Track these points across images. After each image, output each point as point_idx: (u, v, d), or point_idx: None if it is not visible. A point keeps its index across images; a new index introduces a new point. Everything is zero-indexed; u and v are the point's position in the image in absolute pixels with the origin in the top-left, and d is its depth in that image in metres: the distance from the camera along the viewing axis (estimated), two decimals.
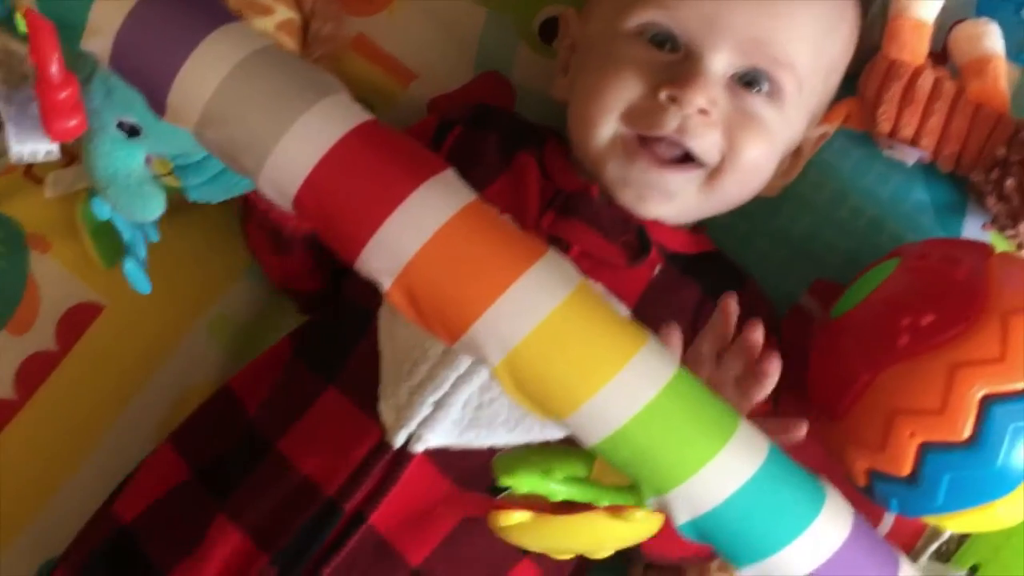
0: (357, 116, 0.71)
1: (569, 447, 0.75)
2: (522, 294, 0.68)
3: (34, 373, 1.20)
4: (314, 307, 1.20)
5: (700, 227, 1.16)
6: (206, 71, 0.71)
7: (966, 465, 0.97)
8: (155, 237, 1.09)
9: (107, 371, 1.21)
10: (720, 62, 1.06)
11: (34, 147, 0.97)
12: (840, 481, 1.03)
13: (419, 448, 1.02)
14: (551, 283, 0.69)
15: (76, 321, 1.20)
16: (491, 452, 1.02)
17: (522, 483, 0.74)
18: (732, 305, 0.98)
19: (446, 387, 1.02)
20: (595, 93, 1.08)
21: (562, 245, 1.08)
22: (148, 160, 1.00)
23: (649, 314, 1.05)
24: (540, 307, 0.68)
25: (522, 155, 1.13)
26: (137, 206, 0.99)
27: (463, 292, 0.68)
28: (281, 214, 1.08)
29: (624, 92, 1.06)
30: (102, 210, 1.02)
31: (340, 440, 1.04)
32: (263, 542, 1.03)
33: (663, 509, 0.71)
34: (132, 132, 0.96)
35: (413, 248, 0.68)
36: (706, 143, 1.06)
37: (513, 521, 0.78)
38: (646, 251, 1.09)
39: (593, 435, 0.70)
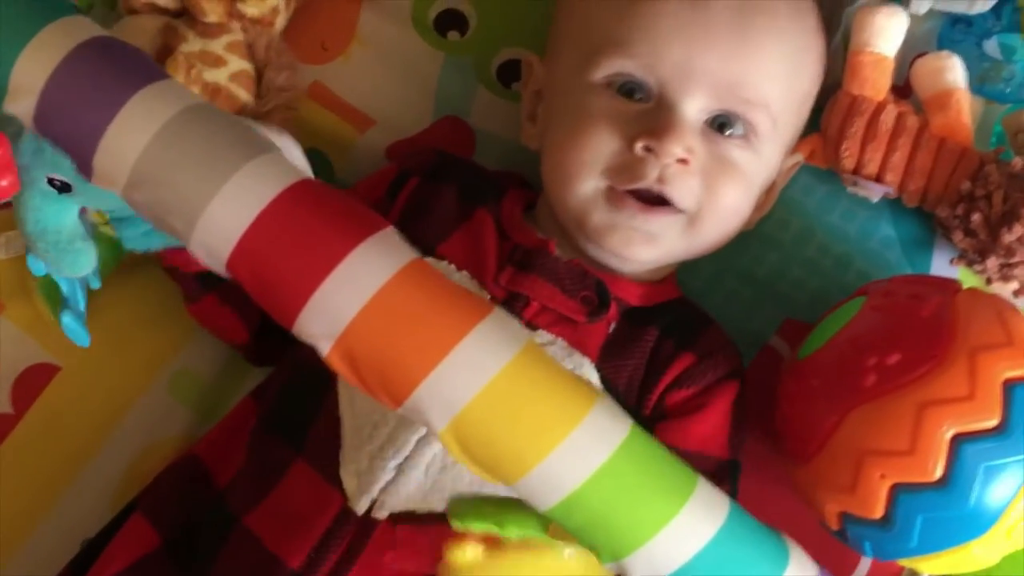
0: (291, 175, 0.69)
1: (525, 504, 0.72)
2: (466, 356, 0.66)
3: None
4: (262, 359, 1.17)
5: (666, 277, 1.15)
6: (133, 131, 0.69)
7: (939, 506, 0.96)
8: (96, 284, 1.07)
9: (65, 432, 1.18)
10: (693, 108, 1.05)
11: None
12: (814, 525, 1.03)
13: (383, 514, 1.00)
14: (497, 343, 0.67)
15: (31, 382, 1.19)
16: None
17: (476, 528, 0.72)
18: None
19: (407, 450, 0.99)
20: (571, 151, 1.06)
21: (522, 300, 1.06)
22: (84, 210, 0.98)
23: (612, 366, 1.05)
24: (485, 369, 0.66)
25: (480, 211, 1.12)
26: (67, 262, 0.97)
27: (405, 355, 0.66)
28: (173, 258, 1.07)
29: (600, 149, 1.05)
30: (36, 266, 1.00)
31: (303, 511, 1.01)
32: None
33: (622, 573, 0.69)
34: (63, 188, 0.94)
35: (352, 311, 0.66)
36: (684, 191, 1.05)
37: (468, 556, 0.76)
38: (605, 305, 1.07)
39: (545, 500, 0.67)
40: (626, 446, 0.67)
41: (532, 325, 1.05)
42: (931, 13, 1.20)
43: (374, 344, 0.67)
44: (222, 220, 0.68)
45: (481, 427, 0.67)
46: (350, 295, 0.66)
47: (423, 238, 1.09)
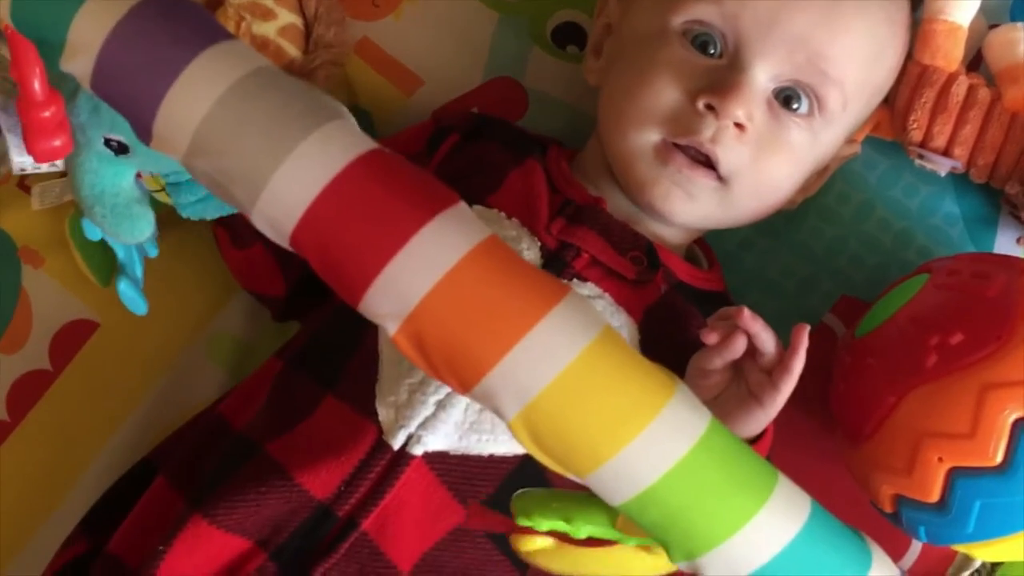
0: (360, 144, 0.66)
1: (592, 496, 0.70)
2: (541, 341, 0.63)
3: (27, 393, 1.17)
4: (288, 315, 1.16)
5: (712, 265, 1.14)
6: (195, 95, 0.66)
7: (998, 491, 0.94)
8: (154, 252, 1.05)
9: (102, 391, 1.18)
10: (764, 73, 1.02)
11: None
12: (866, 507, 1.01)
13: (418, 450, 0.98)
14: (573, 328, 0.64)
15: (70, 339, 1.18)
16: (490, 460, 0.99)
17: (542, 526, 0.70)
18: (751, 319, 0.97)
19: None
20: (632, 97, 1.04)
21: (573, 250, 1.05)
22: (139, 176, 0.96)
23: (653, 331, 1.05)
24: (560, 355, 0.63)
25: (529, 159, 1.10)
26: (125, 227, 0.95)
27: (476, 339, 0.63)
28: None
29: (662, 99, 1.03)
30: (92, 231, 0.97)
31: (335, 444, 0.99)
32: (261, 543, 0.99)
33: (695, 573, 0.66)
34: (121, 149, 0.92)
35: (422, 291, 0.63)
36: (733, 156, 1.03)
37: (536, 547, 0.74)
38: (655, 267, 1.06)
39: (618, 495, 0.65)
40: (706, 439, 0.64)
41: (581, 277, 1.04)
42: None
43: (444, 326, 0.64)
44: (287, 191, 0.65)
45: (554, 417, 0.64)
46: (420, 274, 0.63)
47: (470, 193, 1.06)
